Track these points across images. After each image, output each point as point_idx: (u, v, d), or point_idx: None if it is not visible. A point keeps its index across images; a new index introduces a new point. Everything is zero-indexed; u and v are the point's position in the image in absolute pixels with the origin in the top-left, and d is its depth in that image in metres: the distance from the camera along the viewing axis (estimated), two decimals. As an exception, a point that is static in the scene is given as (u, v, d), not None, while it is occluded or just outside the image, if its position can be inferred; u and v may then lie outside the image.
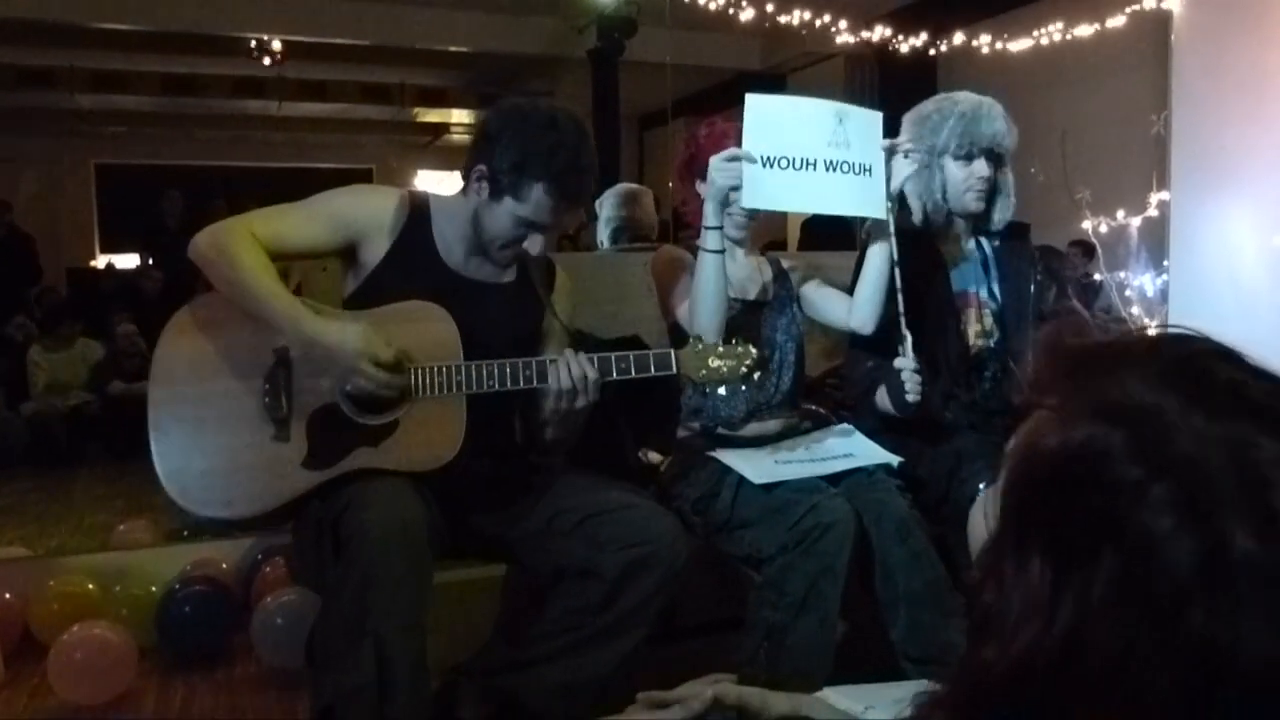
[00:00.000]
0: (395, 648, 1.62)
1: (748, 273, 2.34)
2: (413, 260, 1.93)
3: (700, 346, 1.89)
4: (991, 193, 2.34)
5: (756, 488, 2.07)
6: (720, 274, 2.04)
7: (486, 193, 1.88)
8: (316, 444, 1.79)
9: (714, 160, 2.01)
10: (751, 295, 2.31)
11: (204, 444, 1.80)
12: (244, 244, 1.80)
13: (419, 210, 1.97)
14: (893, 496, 2.05)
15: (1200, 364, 0.60)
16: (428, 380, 1.80)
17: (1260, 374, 0.60)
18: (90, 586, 2.76)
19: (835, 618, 1.96)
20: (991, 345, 2.34)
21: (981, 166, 2.28)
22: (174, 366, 1.84)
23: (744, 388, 1.96)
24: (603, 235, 3.37)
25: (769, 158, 2.01)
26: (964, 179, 2.30)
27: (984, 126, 2.27)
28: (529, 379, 1.82)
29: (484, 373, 1.81)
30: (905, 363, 2.09)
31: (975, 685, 0.61)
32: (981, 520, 0.67)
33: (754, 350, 1.89)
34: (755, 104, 2.02)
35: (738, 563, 2.12)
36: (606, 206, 3.36)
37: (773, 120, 2.02)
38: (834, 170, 2.07)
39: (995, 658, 0.59)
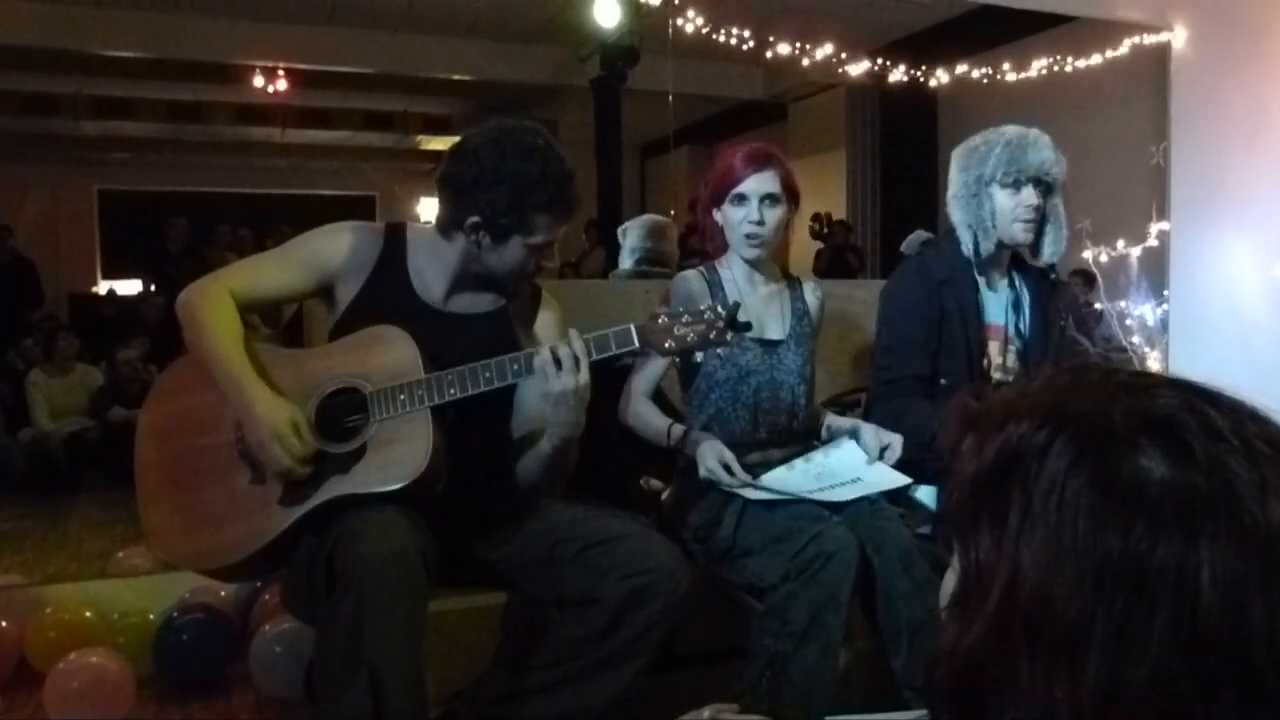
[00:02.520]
0: (391, 676, 1.61)
1: (766, 306, 2.31)
2: (386, 296, 1.94)
3: (663, 319, 1.83)
4: (1041, 224, 2.34)
5: (759, 516, 2.05)
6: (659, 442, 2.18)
7: (488, 239, 1.89)
8: (290, 482, 1.80)
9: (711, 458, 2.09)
10: (768, 334, 2.28)
11: (186, 501, 1.84)
12: (211, 306, 1.85)
13: (393, 245, 1.98)
14: (895, 525, 2.03)
15: (1071, 373, 0.68)
16: (388, 399, 1.80)
17: (1118, 370, 0.68)
18: (87, 614, 2.75)
19: (838, 647, 1.94)
20: (1010, 381, 2.33)
21: (1029, 195, 2.29)
22: (158, 430, 1.90)
23: (719, 352, 1.91)
24: (626, 262, 3.40)
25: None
26: (1012, 208, 2.30)
27: (1030, 154, 2.29)
28: (488, 380, 1.80)
29: (444, 382, 1.80)
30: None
31: (934, 680, 0.66)
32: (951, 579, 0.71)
33: (722, 310, 1.82)
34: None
35: (739, 591, 2.11)
36: (632, 236, 3.40)
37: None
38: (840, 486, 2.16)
39: (950, 647, 0.64)
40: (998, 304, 2.40)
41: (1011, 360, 2.37)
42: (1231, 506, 0.58)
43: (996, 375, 2.34)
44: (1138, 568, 0.57)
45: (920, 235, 2.53)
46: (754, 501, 2.08)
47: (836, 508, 2.07)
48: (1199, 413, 0.61)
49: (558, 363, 1.78)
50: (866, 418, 2.44)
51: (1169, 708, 0.57)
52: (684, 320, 1.81)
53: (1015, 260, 2.43)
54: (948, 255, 2.38)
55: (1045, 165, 2.29)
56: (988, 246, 2.34)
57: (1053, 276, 2.51)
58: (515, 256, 1.91)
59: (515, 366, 1.80)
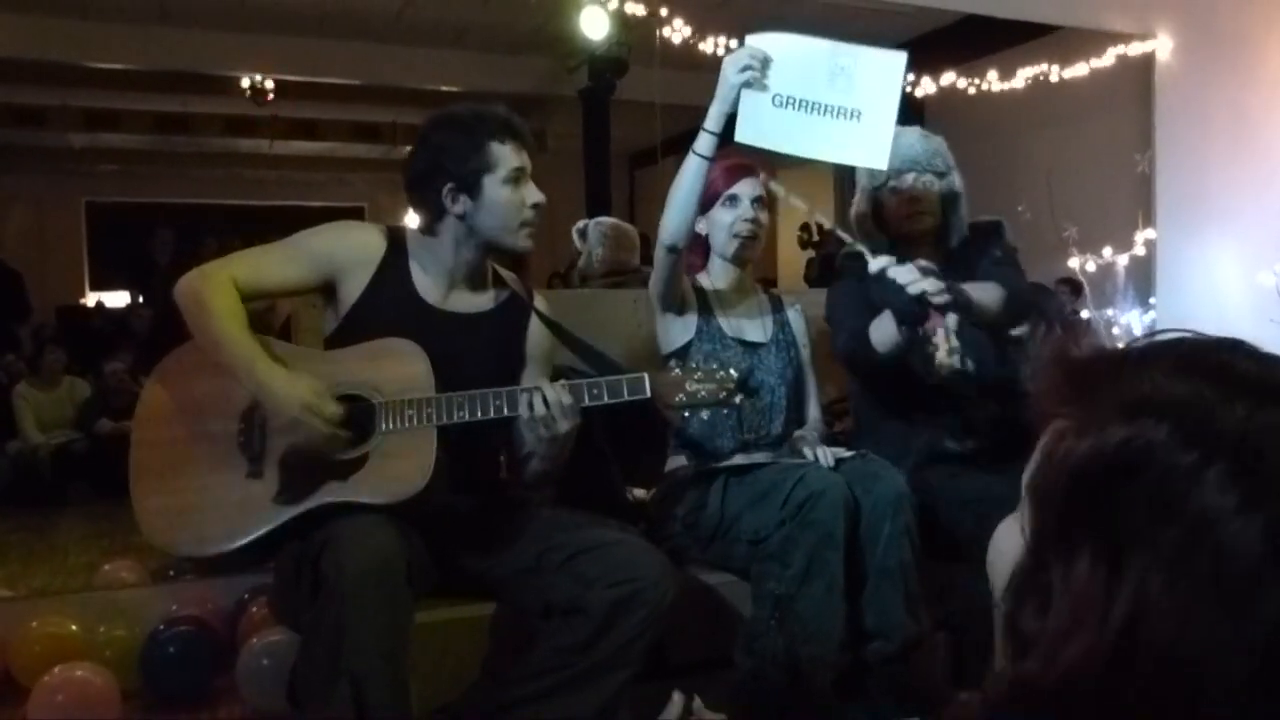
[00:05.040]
0: (373, 685, 1.61)
1: (746, 312, 2.34)
2: (390, 296, 1.95)
3: (676, 372, 1.86)
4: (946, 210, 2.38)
5: (741, 483, 2.12)
6: (698, 179, 2.08)
7: (467, 199, 1.92)
8: (288, 480, 1.80)
9: (729, 58, 2.00)
10: (748, 335, 2.31)
11: (180, 484, 1.83)
12: (217, 290, 1.83)
13: (396, 246, 2.00)
14: (889, 472, 2.10)
15: (1215, 357, 0.60)
16: (397, 413, 1.81)
17: (1268, 358, 0.59)
18: (73, 627, 2.73)
19: (841, 584, 1.99)
20: (958, 365, 2.33)
21: (908, 182, 2.32)
22: (156, 411, 1.88)
23: (725, 413, 1.95)
24: (590, 265, 3.43)
25: (778, 96, 2.00)
26: (896, 205, 2.34)
27: (892, 150, 2.30)
28: (499, 409, 1.82)
29: (454, 404, 1.81)
30: (892, 269, 2.05)
31: (1016, 701, 0.58)
32: (1006, 549, 0.64)
33: (734, 374, 1.86)
34: (756, 42, 2.00)
35: (736, 575, 2.15)
36: (594, 242, 3.42)
37: (774, 58, 1.99)
38: (835, 115, 2.02)
39: (1040, 670, 0.56)
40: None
41: (955, 342, 2.36)
42: None
43: (947, 361, 2.34)
44: None
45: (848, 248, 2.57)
46: (734, 473, 2.14)
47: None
48: None
49: (547, 406, 1.80)
50: (855, 431, 2.46)
51: None
52: (696, 376, 1.86)
53: (939, 243, 2.43)
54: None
55: (910, 157, 2.31)
56: (880, 249, 2.37)
57: (1005, 237, 2.49)
58: (498, 200, 1.93)
59: (527, 397, 1.82)
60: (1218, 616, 0.51)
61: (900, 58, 2.02)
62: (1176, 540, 0.52)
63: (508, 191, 1.94)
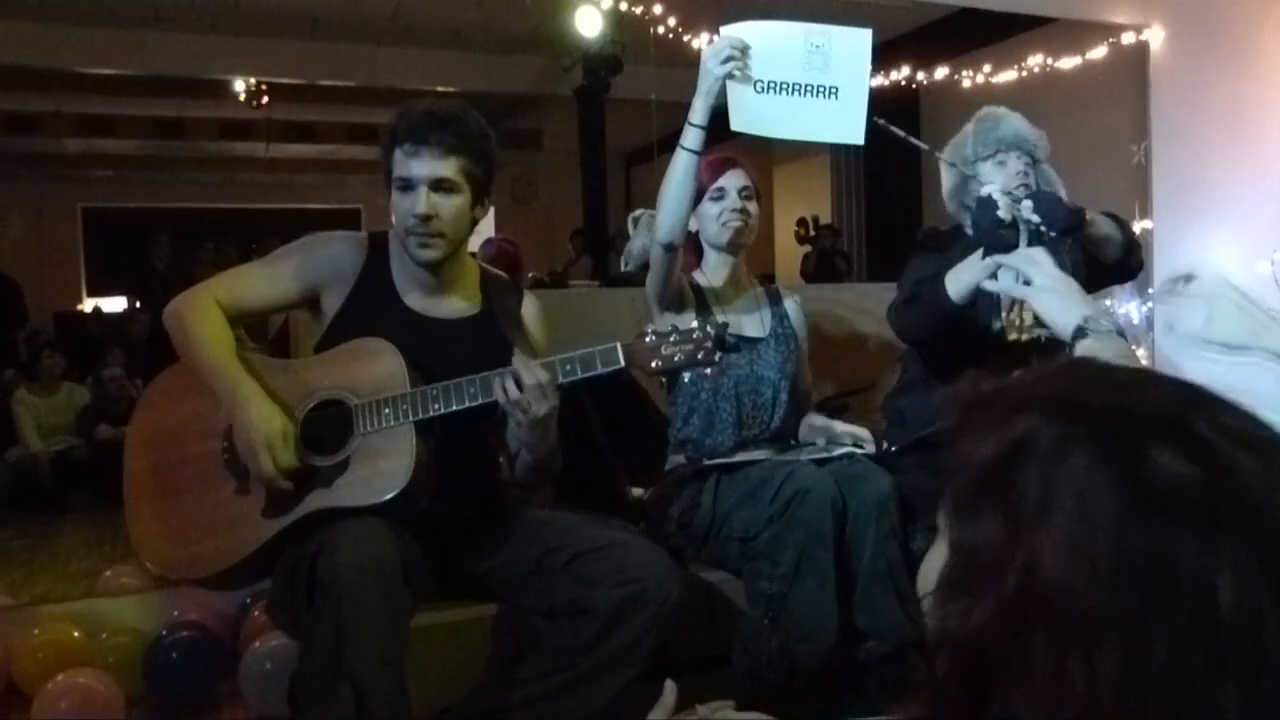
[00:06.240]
0: (373, 686, 1.60)
1: (744, 306, 2.34)
2: (371, 303, 1.94)
3: (650, 338, 1.82)
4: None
5: (733, 480, 2.12)
6: (690, 175, 2.08)
7: (389, 204, 1.92)
8: (274, 493, 1.79)
9: (708, 50, 2.00)
10: (747, 331, 2.31)
11: (171, 508, 1.84)
12: (201, 314, 1.85)
13: (377, 253, 1.99)
14: (874, 474, 2.10)
15: (1089, 365, 0.70)
16: (373, 413, 1.80)
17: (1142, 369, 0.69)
18: (76, 634, 2.72)
19: (832, 581, 1.99)
20: (1025, 339, 2.33)
21: (1015, 164, 2.32)
22: (144, 440, 1.90)
23: (707, 372, 1.91)
24: (633, 254, 3.38)
25: (760, 82, 2.00)
26: (1002, 181, 2.32)
27: (1004, 127, 2.34)
28: (473, 396, 1.80)
29: (429, 397, 1.79)
30: (992, 187, 2.09)
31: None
32: (933, 568, 0.71)
33: (710, 330, 1.80)
34: (732, 32, 2.01)
35: (731, 573, 2.15)
36: (644, 235, 3.35)
37: (753, 45, 2.00)
38: (815, 95, 2.04)
39: (952, 630, 0.63)
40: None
41: (1029, 318, 2.37)
42: (1249, 505, 0.58)
43: (1014, 336, 2.34)
44: (1159, 564, 0.57)
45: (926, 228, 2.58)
46: (726, 471, 2.15)
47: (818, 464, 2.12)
48: (1207, 409, 0.62)
49: (521, 388, 1.77)
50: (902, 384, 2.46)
51: (1179, 699, 0.57)
52: (671, 339, 1.81)
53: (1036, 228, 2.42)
54: (955, 240, 2.40)
55: (1020, 135, 2.33)
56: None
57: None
58: (394, 207, 1.92)
59: (500, 381, 1.80)
60: (1089, 557, 0.59)
61: (867, 34, 2.06)
62: (1054, 497, 0.61)
63: (397, 199, 1.91)
